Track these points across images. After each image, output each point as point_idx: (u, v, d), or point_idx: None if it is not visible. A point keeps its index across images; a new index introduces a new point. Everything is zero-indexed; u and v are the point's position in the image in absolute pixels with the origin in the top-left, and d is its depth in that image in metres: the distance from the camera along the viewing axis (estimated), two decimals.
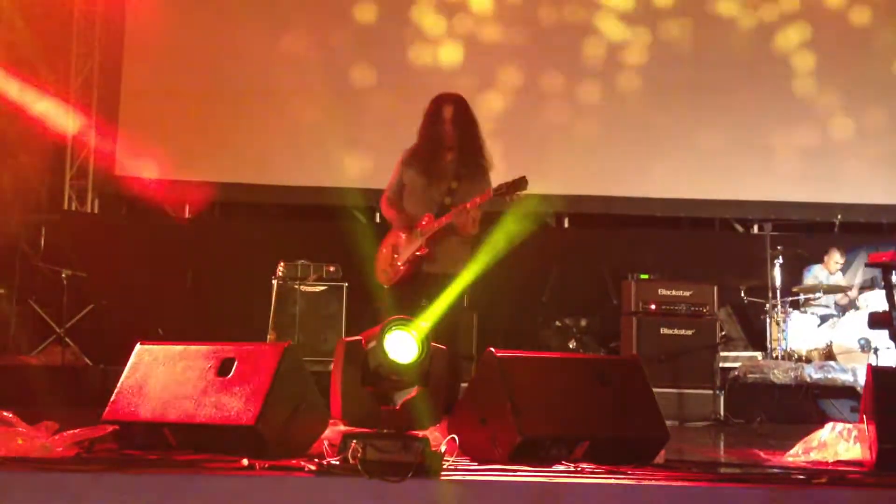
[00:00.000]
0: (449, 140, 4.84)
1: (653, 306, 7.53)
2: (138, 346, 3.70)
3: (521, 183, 4.63)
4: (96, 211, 9.91)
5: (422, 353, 3.05)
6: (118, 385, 3.60)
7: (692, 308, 7.54)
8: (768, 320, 8.38)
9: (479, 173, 4.87)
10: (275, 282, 7.68)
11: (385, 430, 3.03)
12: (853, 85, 9.64)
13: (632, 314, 7.56)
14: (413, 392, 3.11)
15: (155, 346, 3.68)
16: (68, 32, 9.78)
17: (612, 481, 2.95)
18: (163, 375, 3.55)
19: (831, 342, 8.08)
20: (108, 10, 9.74)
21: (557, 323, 8.70)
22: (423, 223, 4.77)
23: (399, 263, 4.80)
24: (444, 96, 4.94)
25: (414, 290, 4.74)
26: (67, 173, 9.78)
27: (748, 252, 9.03)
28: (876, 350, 7.59)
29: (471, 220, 4.73)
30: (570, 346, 8.47)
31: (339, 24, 9.60)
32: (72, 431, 3.22)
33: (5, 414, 3.28)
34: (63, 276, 8.18)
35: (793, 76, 9.67)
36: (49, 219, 9.56)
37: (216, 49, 9.46)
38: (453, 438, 3.19)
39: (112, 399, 3.56)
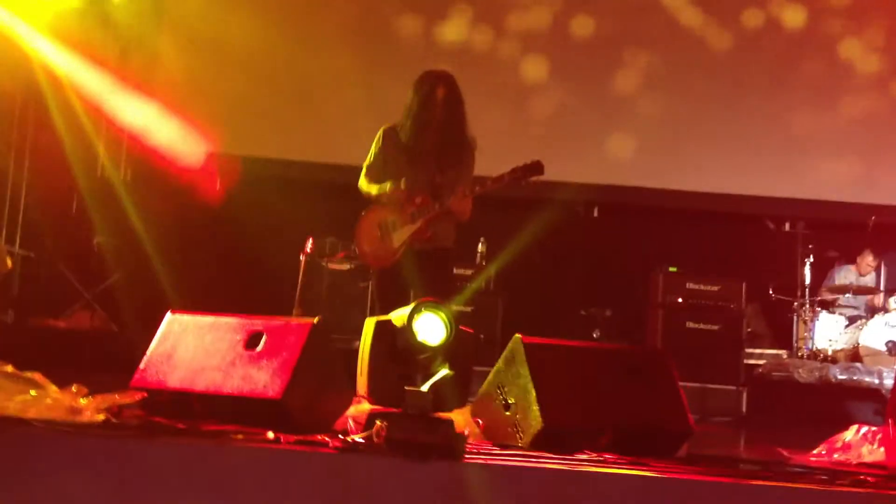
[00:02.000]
0: (436, 121, 4.72)
1: (680, 299, 7.52)
2: (169, 315, 3.72)
3: (535, 167, 4.58)
4: (129, 179, 9.97)
5: (450, 335, 3.07)
6: (147, 352, 3.63)
7: (719, 303, 7.51)
8: (795, 319, 8.33)
9: (466, 152, 4.80)
10: (302, 258, 7.70)
11: (410, 411, 3.04)
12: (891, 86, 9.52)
13: (658, 306, 7.54)
14: (439, 374, 3.12)
15: (185, 316, 3.71)
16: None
17: (635, 472, 2.95)
18: (192, 345, 3.58)
19: (858, 343, 8.02)
20: None
21: (582, 312, 8.68)
22: (418, 202, 4.68)
23: (395, 245, 4.71)
24: (437, 75, 4.81)
25: (410, 268, 4.68)
26: (101, 140, 9.85)
27: (778, 249, 8.96)
28: None
29: (469, 204, 4.69)
30: (594, 335, 8.46)
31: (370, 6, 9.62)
32: (100, 396, 3.24)
33: (36, 375, 3.31)
34: (94, 241, 8.25)
35: (832, 73, 9.55)
36: (82, 185, 9.65)
37: (249, 23, 9.47)
38: (477, 422, 3.20)
39: (141, 366, 3.59)
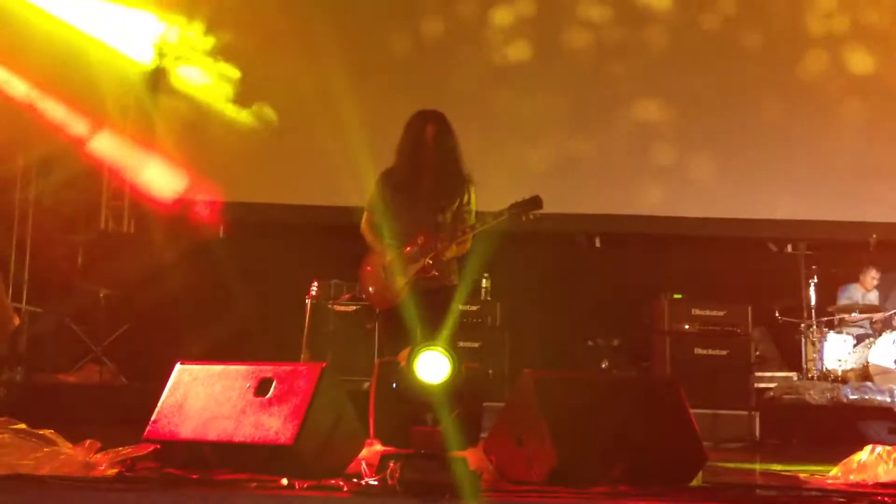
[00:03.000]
0: (430, 160, 4.74)
1: (686, 326, 7.51)
2: (178, 366, 3.74)
3: (534, 202, 4.60)
4: (132, 231, 10.03)
5: (452, 373, 3.07)
6: (159, 404, 3.64)
7: (726, 328, 7.50)
8: (804, 340, 8.31)
9: (465, 190, 4.81)
10: (308, 301, 7.71)
11: (422, 451, 3.04)
12: (890, 103, 9.57)
13: (665, 334, 7.53)
14: (448, 412, 3.13)
15: (195, 366, 3.72)
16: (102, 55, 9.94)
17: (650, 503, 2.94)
18: (202, 395, 3.59)
19: (867, 362, 8.00)
20: None
21: (589, 342, 8.67)
22: (420, 242, 4.70)
23: (399, 285, 4.71)
24: (426, 114, 4.83)
25: (414, 308, 4.67)
26: (104, 194, 9.92)
27: (782, 271, 8.97)
28: None
29: (469, 241, 4.72)
30: (602, 365, 8.44)
31: (372, 50, 9.72)
32: (114, 450, 3.25)
33: (48, 433, 3.32)
34: (101, 295, 8.27)
35: (829, 94, 9.61)
36: (86, 239, 9.70)
37: (248, 69, 9.57)
38: (490, 459, 3.20)
39: (153, 418, 3.60)
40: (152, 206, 9.76)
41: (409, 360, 3.12)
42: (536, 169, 9.46)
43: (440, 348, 3.13)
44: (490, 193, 5.05)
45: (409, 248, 4.70)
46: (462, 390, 3.12)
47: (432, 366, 3.10)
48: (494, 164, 9.15)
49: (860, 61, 9.64)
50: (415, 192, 4.77)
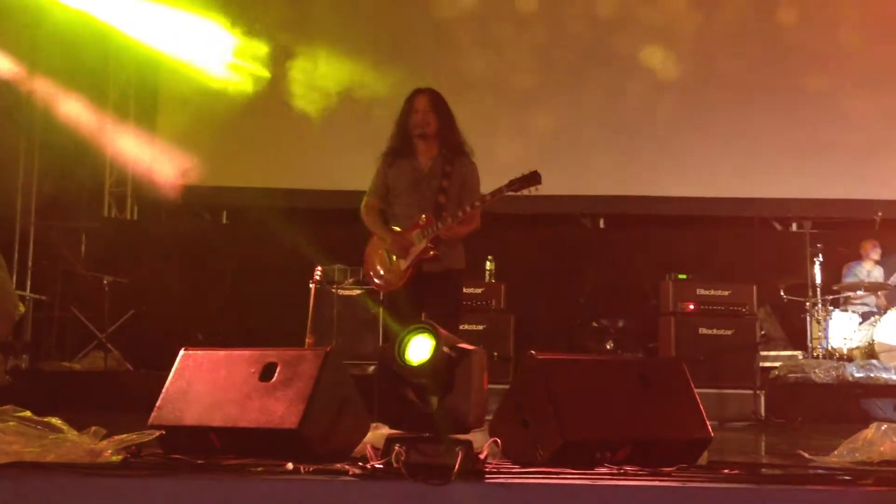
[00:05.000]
0: (426, 131, 4.71)
1: (691, 306, 7.50)
2: (182, 352, 3.73)
3: (533, 177, 4.56)
4: (135, 218, 10.04)
5: (433, 355, 3.05)
6: (163, 390, 3.64)
7: (731, 307, 7.49)
8: (809, 319, 8.30)
9: (467, 167, 4.78)
10: (312, 286, 7.71)
11: (428, 434, 3.04)
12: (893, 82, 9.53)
13: (670, 314, 7.52)
14: (447, 394, 3.11)
15: (199, 352, 3.72)
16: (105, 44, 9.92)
17: (656, 483, 2.94)
18: (207, 380, 3.59)
19: (873, 340, 7.98)
20: None
21: (594, 324, 8.67)
22: (422, 223, 4.66)
23: (402, 267, 4.70)
24: (416, 90, 4.81)
25: (419, 291, 4.68)
26: (107, 181, 9.92)
27: (787, 250, 8.96)
28: None
29: (477, 220, 4.69)
30: (608, 346, 8.44)
31: (372, 31, 9.68)
32: (118, 437, 3.25)
33: (54, 420, 3.32)
34: (104, 282, 8.29)
35: (831, 74, 9.57)
36: (89, 226, 9.71)
37: (252, 53, 9.54)
38: (495, 441, 3.20)
39: (157, 404, 3.60)
40: (155, 194, 9.77)
41: (396, 343, 3.13)
42: (540, 149, 9.44)
43: (423, 327, 3.13)
44: (493, 176, 5.03)
45: (410, 231, 4.68)
46: (455, 370, 3.09)
47: (418, 346, 3.11)
48: (498, 144, 9.16)
49: (863, 42, 9.59)
50: (417, 170, 4.75)
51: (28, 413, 3.31)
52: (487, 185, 4.83)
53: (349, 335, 8.01)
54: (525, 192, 4.59)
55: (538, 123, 9.52)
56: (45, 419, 3.30)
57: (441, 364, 3.05)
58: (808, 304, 8.30)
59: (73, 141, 9.23)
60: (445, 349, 3.06)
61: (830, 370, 7.47)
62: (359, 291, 8.12)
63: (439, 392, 3.08)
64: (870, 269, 8.81)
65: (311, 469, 2.97)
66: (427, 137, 4.74)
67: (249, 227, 9.93)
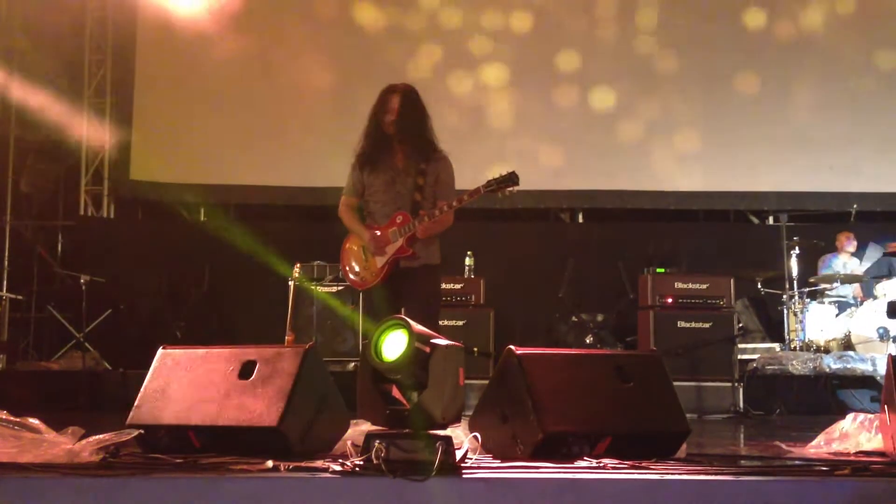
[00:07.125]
0: (397, 132, 4.67)
1: (669, 300, 7.53)
2: (161, 351, 3.72)
3: (511, 178, 4.57)
4: (112, 216, 9.97)
5: (407, 351, 3.05)
6: (142, 389, 3.62)
7: (709, 301, 7.54)
8: (786, 311, 8.36)
9: (441, 165, 4.75)
10: (291, 283, 7.69)
11: (407, 430, 3.04)
12: (867, 74, 9.61)
13: (648, 308, 7.56)
14: (413, 388, 3.12)
15: (177, 350, 3.70)
16: (81, 40, 9.86)
17: (635, 476, 2.95)
18: (185, 379, 3.57)
19: (850, 332, 8.05)
20: (119, 17, 9.79)
21: (574, 318, 8.69)
22: (399, 222, 4.65)
23: (379, 265, 4.69)
24: (390, 86, 4.76)
25: (395, 288, 4.67)
26: (83, 179, 9.85)
27: (764, 243, 9.03)
28: (895, 339, 7.57)
29: (451, 216, 4.69)
30: (587, 341, 8.46)
31: (346, 27, 9.68)
32: (97, 436, 3.23)
33: (32, 420, 3.30)
34: (81, 281, 8.23)
35: (808, 66, 9.63)
36: (66, 225, 9.64)
37: (227, 52, 9.49)
38: (475, 436, 3.20)
39: (136, 403, 3.58)
40: (132, 191, 9.71)
41: (374, 339, 3.13)
42: (517, 146, 9.46)
43: (397, 323, 3.13)
44: (471, 171, 5.04)
45: (387, 229, 4.68)
46: (429, 365, 3.09)
47: (392, 343, 3.11)
48: (475, 141, 9.17)
49: (836, 34, 9.66)
50: (391, 169, 4.74)
51: (5, 413, 3.29)
52: (464, 182, 4.83)
53: (329, 332, 7.99)
54: (501, 194, 4.60)
55: (516, 119, 9.54)
56: (22, 419, 3.28)
57: (415, 360, 3.05)
58: (785, 296, 8.35)
59: (49, 139, 9.16)
60: (418, 345, 3.06)
61: (808, 362, 7.53)
62: (337, 288, 8.09)
63: (416, 388, 3.09)
64: (846, 262, 8.88)
65: (290, 466, 2.97)
66: (401, 135, 4.73)
67: (227, 224, 9.89)
